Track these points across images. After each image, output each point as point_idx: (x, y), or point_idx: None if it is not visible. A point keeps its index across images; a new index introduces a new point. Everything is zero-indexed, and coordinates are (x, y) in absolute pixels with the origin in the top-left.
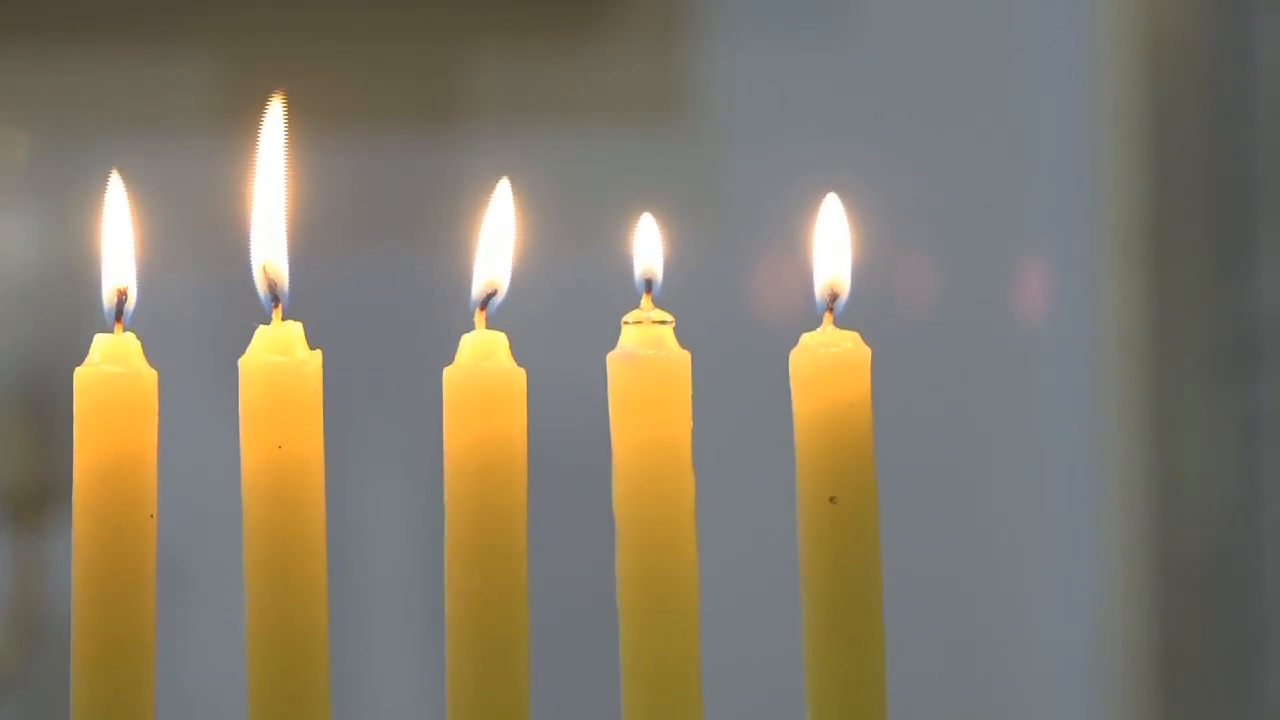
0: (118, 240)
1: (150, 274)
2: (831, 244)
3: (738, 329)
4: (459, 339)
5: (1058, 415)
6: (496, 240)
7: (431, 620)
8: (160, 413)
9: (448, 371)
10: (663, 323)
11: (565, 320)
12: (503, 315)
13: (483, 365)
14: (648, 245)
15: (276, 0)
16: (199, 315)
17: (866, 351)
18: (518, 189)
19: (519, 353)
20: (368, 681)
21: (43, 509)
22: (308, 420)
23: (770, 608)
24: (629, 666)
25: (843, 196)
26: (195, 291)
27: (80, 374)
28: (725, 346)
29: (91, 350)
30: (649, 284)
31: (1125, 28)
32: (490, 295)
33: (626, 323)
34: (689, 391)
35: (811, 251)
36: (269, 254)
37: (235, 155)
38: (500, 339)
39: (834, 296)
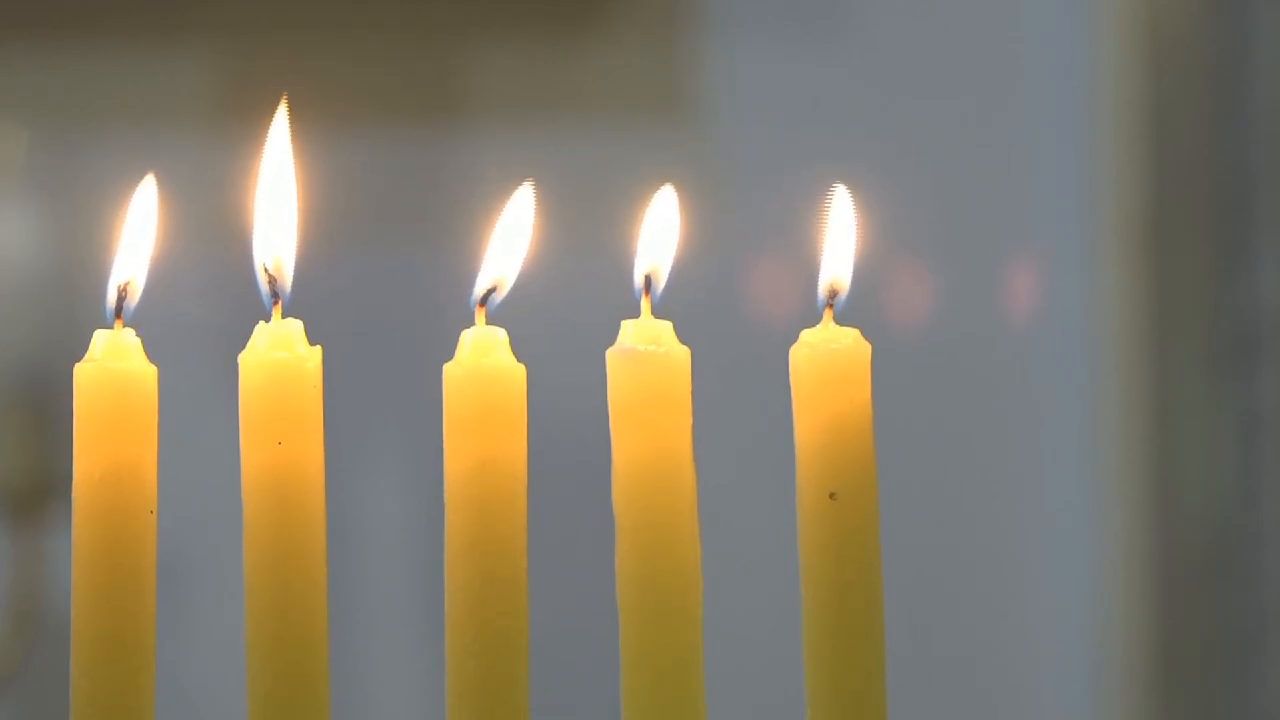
0: (133, 238)
1: (150, 270)
2: (836, 241)
3: (738, 325)
4: (459, 335)
5: (1057, 412)
6: (508, 239)
7: (431, 619)
8: (160, 409)
9: (447, 368)
10: (662, 318)
11: (566, 316)
12: (503, 311)
13: (483, 362)
14: (661, 226)
15: None
16: (199, 311)
17: (867, 348)
18: (518, 185)
19: (519, 349)
20: (368, 681)
21: (42, 506)
22: (308, 417)
23: (770, 605)
24: (629, 665)
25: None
26: (195, 288)
27: (80, 370)
28: (725, 343)
29: (91, 346)
30: (649, 283)
31: (1125, 26)
32: (490, 291)
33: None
34: (689, 388)
35: (814, 247)
36: (271, 250)
37: (235, 151)
38: (500, 335)
39: (834, 293)
